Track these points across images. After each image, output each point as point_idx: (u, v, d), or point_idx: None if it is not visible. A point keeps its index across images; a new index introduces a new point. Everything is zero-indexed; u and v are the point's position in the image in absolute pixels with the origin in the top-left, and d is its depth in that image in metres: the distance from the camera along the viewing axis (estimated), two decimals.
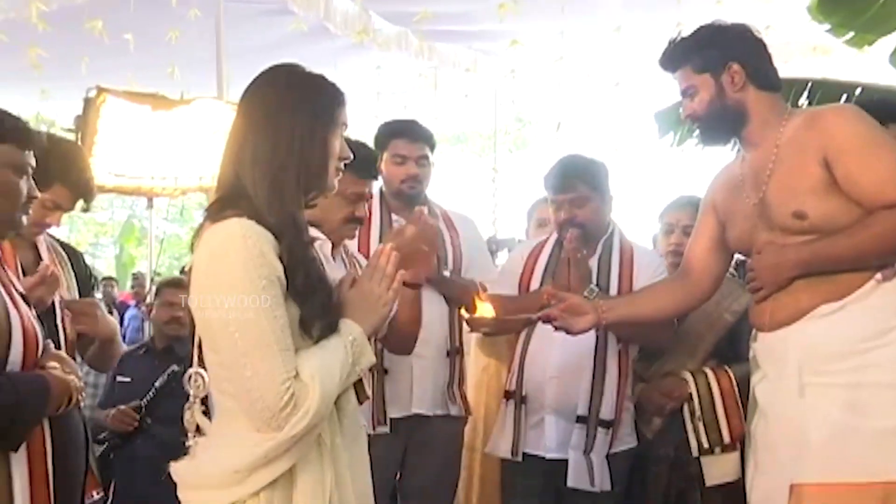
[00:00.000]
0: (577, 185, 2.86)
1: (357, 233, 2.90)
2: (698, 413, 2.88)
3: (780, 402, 2.17)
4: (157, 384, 3.49)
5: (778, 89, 2.26)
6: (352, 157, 1.80)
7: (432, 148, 3.15)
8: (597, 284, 2.86)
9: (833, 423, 2.05)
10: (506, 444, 2.88)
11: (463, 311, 2.60)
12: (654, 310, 2.53)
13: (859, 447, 2.02)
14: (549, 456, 2.84)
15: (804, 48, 6.34)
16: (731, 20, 2.26)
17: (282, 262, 1.60)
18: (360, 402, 1.78)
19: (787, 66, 6.71)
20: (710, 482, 2.88)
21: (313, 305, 1.63)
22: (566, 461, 2.80)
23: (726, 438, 2.87)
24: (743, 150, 2.30)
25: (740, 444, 2.86)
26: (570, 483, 2.77)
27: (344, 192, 2.46)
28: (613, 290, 2.88)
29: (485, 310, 2.48)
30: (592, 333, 2.74)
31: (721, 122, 2.24)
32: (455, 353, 3.06)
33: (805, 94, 3.74)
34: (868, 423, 2.02)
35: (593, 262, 2.91)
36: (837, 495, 2.03)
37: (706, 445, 2.88)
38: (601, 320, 2.42)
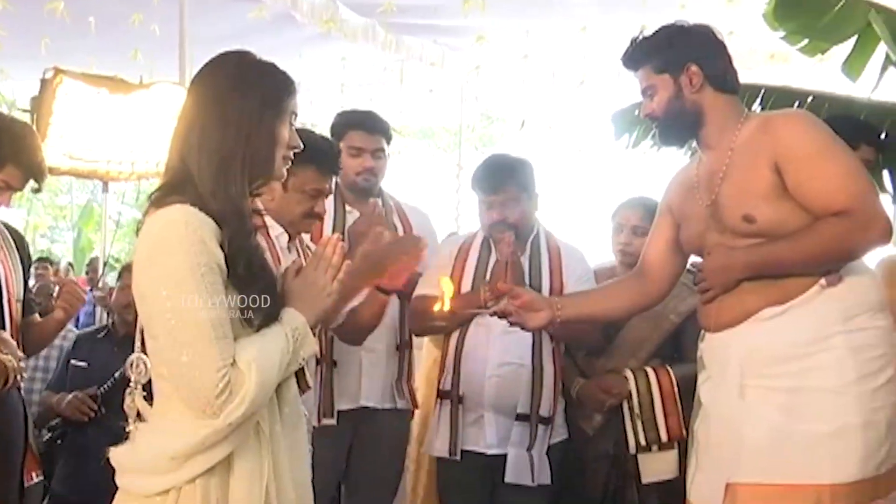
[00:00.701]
0: (508, 185, 2.88)
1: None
2: (637, 411, 2.92)
3: (721, 403, 2.20)
4: (116, 375, 3.36)
5: (736, 92, 2.27)
6: (301, 146, 1.80)
7: (389, 140, 3.14)
8: (530, 285, 2.88)
9: (770, 426, 2.08)
10: (442, 444, 2.90)
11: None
12: (609, 308, 2.55)
13: (794, 450, 2.05)
14: (489, 452, 2.87)
15: (764, 55, 6.41)
16: (694, 22, 2.28)
17: (223, 249, 1.60)
18: (302, 392, 1.78)
19: (750, 72, 6.81)
20: (646, 479, 2.92)
21: (254, 294, 1.64)
22: (504, 456, 2.84)
23: (664, 437, 2.91)
24: (700, 151, 2.32)
25: (678, 443, 2.91)
26: (509, 479, 2.81)
27: (304, 188, 2.48)
28: (545, 289, 2.91)
29: (444, 303, 2.51)
30: (528, 333, 2.76)
31: (678, 123, 2.26)
32: (405, 347, 3.07)
33: (758, 100, 3.78)
34: (804, 426, 2.05)
35: (524, 262, 2.94)
36: (770, 496, 2.06)
37: (644, 443, 2.92)
38: (556, 317, 2.43)
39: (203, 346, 1.54)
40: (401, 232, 3.07)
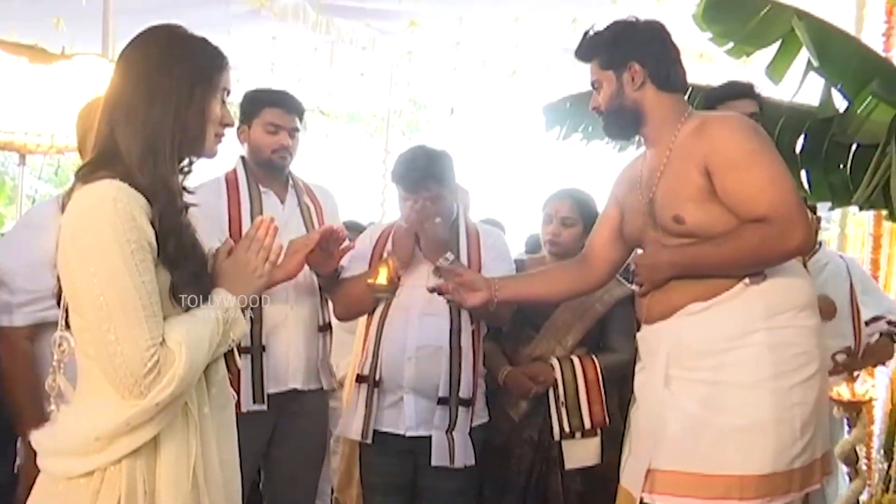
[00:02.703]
0: (430, 184, 2.89)
1: (227, 207, 2.89)
2: (562, 398, 2.97)
3: (649, 391, 2.27)
4: None
5: (681, 91, 2.31)
6: (234, 123, 1.79)
7: (302, 120, 3.13)
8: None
9: (688, 416, 2.14)
10: (357, 426, 2.91)
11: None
12: (547, 291, 2.61)
13: (708, 441, 2.10)
14: (409, 434, 2.89)
15: (693, 54, 6.55)
16: (643, 19, 2.31)
17: (154, 227, 1.58)
18: (231, 374, 1.77)
19: None
20: (569, 465, 2.98)
21: (185, 272, 1.62)
22: (425, 438, 2.86)
23: (587, 424, 2.97)
24: (646, 147, 2.36)
25: (601, 430, 2.98)
26: (433, 462, 2.83)
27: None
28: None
29: (383, 276, 2.58)
30: (447, 314, 2.84)
31: (619, 119, 2.30)
32: (326, 327, 3.08)
33: (685, 98, 3.86)
34: (719, 419, 2.10)
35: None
36: (684, 483, 2.12)
37: (567, 430, 2.97)
38: (493, 297, 2.48)
39: (132, 324, 1.52)
40: (312, 213, 3.07)
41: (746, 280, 2.13)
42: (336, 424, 3.73)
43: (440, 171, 2.93)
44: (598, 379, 2.99)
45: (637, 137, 2.49)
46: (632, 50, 2.25)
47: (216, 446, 1.67)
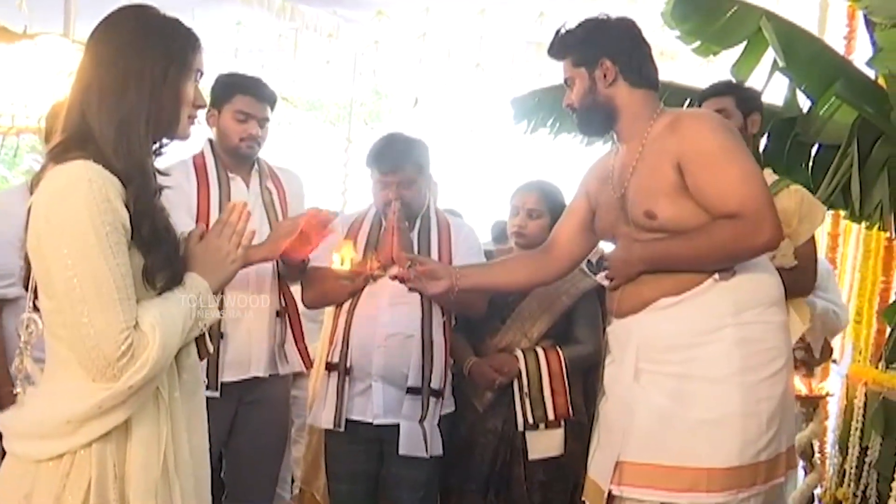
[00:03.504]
0: (405, 166, 2.90)
1: (195, 192, 2.86)
2: (526, 389, 2.99)
3: (618, 384, 2.29)
4: None
5: (653, 87, 2.31)
6: (207, 104, 1.78)
7: (273, 110, 3.09)
8: (418, 252, 2.91)
9: (657, 409, 2.16)
10: (328, 415, 2.91)
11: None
12: (508, 280, 2.63)
13: (676, 434, 2.13)
14: (376, 422, 2.89)
15: (655, 52, 6.61)
16: (614, 16, 2.32)
17: (128, 209, 1.55)
18: (201, 358, 1.75)
19: None
20: (532, 456, 3.00)
21: (158, 256, 1.60)
22: (393, 427, 2.87)
23: (550, 415, 3.00)
24: (618, 143, 2.38)
25: (564, 422, 3.00)
26: (402, 451, 2.84)
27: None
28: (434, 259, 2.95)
29: (345, 262, 2.57)
30: (418, 305, 2.86)
31: (592, 116, 2.31)
32: (284, 312, 3.05)
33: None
34: (687, 413, 2.13)
35: (413, 236, 2.97)
36: (652, 475, 2.14)
37: (531, 421, 2.99)
38: (455, 286, 2.49)
39: (106, 306, 1.50)
40: (276, 197, 3.04)
41: (716, 276, 2.16)
42: (298, 413, 3.72)
43: (416, 155, 2.95)
44: (561, 371, 3.01)
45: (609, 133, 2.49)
46: (603, 47, 2.26)
47: (186, 431, 1.66)
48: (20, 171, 12.84)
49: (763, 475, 2.15)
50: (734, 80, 3.29)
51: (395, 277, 2.51)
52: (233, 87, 2.98)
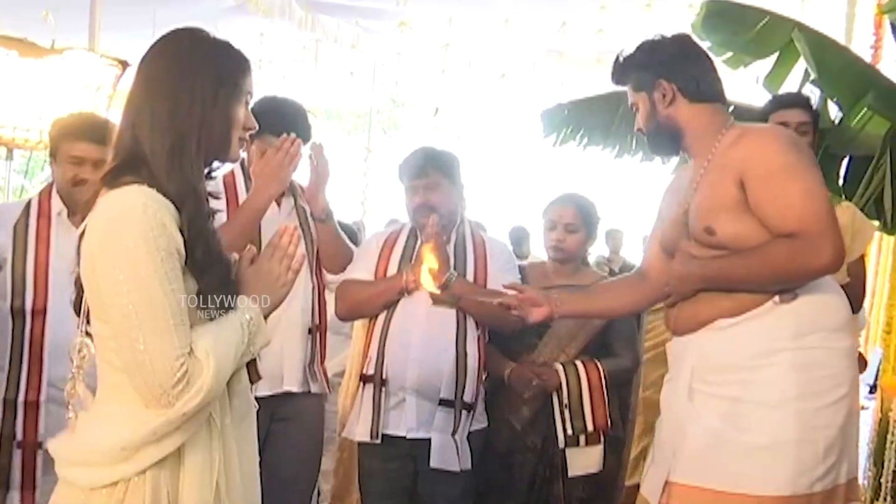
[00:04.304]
0: (431, 171, 2.96)
1: (226, 211, 2.86)
2: (566, 401, 2.99)
3: (673, 403, 2.25)
4: None
5: (717, 100, 2.27)
6: (257, 127, 1.78)
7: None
8: (454, 269, 2.93)
9: (709, 431, 2.11)
10: (364, 428, 2.91)
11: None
12: (611, 306, 2.61)
13: (728, 458, 2.08)
14: (409, 436, 2.89)
15: None
16: (670, 33, 2.30)
17: (182, 233, 1.56)
18: (252, 382, 1.75)
19: None
20: (572, 473, 3.00)
21: (212, 280, 1.60)
22: (426, 440, 2.86)
23: (590, 427, 2.99)
24: (690, 159, 2.34)
25: (603, 438, 2.99)
26: (433, 463, 2.83)
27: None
28: (470, 276, 2.97)
29: (428, 286, 2.57)
30: (453, 318, 2.88)
31: (659, 137, 2.30)
32: (316, 330, 3.05)
33: None
34: (740, 436, 2.07)
35: (449, 249, 2.98)
36: (700, 499, 2.10)
37: (571, 433, 2.98)
38: (554, 312, 2.49)
39: (161, 333, 1.50)
40: (307, 212, 2.99)
41: (776, 298, 2.10)
42: (325, 427, 3.72)
43: (445, 162, 3.00)
44: (601, 383, 3.01)
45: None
46: (658, 68, 2.24)
47: (238, 456, 1.66)
48: (39, 180, 12.92)
49: None
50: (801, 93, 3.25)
51: (500, 304, 2.53)
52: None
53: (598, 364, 3.05)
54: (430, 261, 2.61)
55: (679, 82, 2.23)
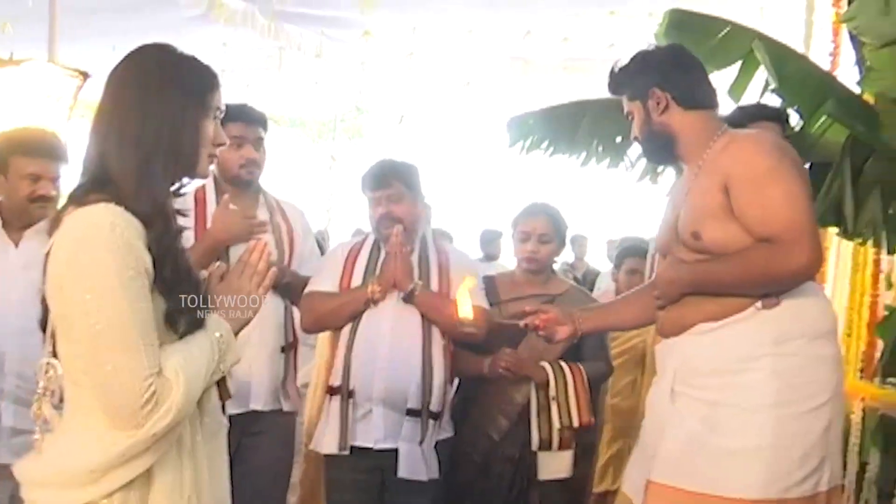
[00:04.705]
0: (393, 182, 2.97)
1: (193, 226, 2.85)
2: (554, 394, 3.00)
3: (656, 403, 2.30)
4: None
5: (709, 107, 2.31)
6: (227, 142, 1.77)
7: (266, 130, 3.07)
8: (419, 279, 2.94)
9: (688, 433, 2.14)
10: (332, 440, 2.90)
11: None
12: (634, 318, 2.61)
13: (704, 460, 2.11)
14: (377, 447, 2.88)
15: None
16: (661, 45, 2.42)
17: (150, 252, 1.54)
18: (223, 400, 1.74)
19: None
20: (543, 476, 3.03)
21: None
22: (393, 451, 2.86)
23: (575, 422, 3.00)
24: (683, 165, 2.38)
25: (575, 444, 3.01)
26: (401, 473, 2.84)
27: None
28: (434, 286, 2.98)
29: (465, 311, 2.60)
30: (419, 328, 2.90)
31: (654, 145, 2.35)
32: (290, 348, 3.04)
33: None
34: (717, 439, 2.11)
35: (414, 259, 2.99)
36: (676, 499, 2.14)
37: (557, 425, 2.99)
38: (577, 331, 2.54)
39: (129, 353, 1.48)
40: (283, 231, 3.03)
41: (759, 304, 2.12)
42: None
43: (406, 173, 3.02)
44: (584, 382, 3.03)
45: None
46: (652, 76, 2.29)
47: (209, 474, 1.65)
48: None
49: None
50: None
51: (526, 325, 2.57)
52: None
53: (580, 366, 3.07)
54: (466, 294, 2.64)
55: (673, 90, 2.27)
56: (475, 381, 3.13)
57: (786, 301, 2.13)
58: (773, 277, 2.10)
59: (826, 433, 2.12)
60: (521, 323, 2.57)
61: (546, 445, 3.02)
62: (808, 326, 2.15)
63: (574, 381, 3.03)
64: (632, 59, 2.36)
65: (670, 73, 2.30)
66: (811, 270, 2.11)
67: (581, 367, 3.07)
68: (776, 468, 2.07)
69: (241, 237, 2.79)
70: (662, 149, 2.34)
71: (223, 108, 1.73)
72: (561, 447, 3.02)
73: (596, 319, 2.62)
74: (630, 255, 4.26)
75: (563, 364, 3.06)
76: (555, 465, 3.02)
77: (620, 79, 2.37)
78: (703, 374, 2.17)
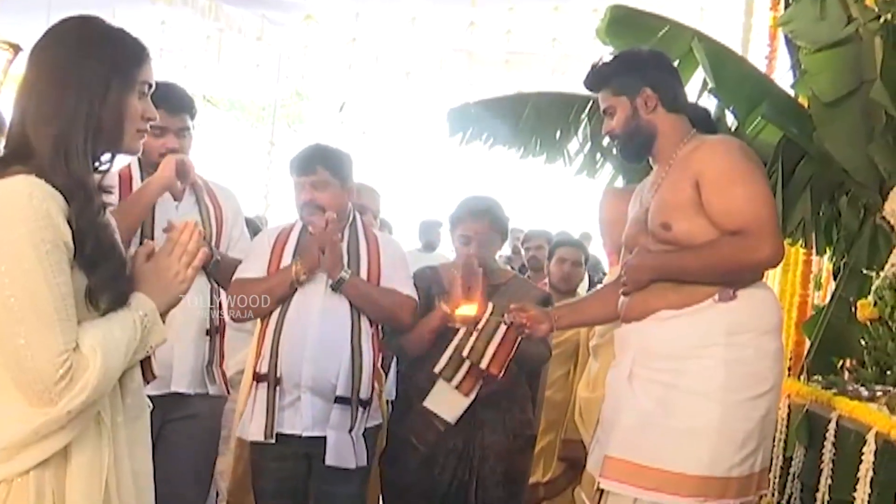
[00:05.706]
0: (318, 168, 2.95)
1: (118, 199, 2.76)
2: (480, 326, 2.83)
3: (615, 384, 2.43)
4: None
5: (685, 111, 2.49)
6: (157, 117, 1.72)
7: (193, 117, 3.00)
8: (348, 266, 2.93)
9: (642, 412, 2.31)
10: (258, 427, 2.87)
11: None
12: (603, 315, 2.72)
13: (655, 437, 2.27)
14: (305, 434, 2.87)
15: (585, 63, 6.70)
16: (645, 49, 2.56)
17: (70, 226, 1.50)
18: (147, 381, 1.70)
19: (564, 77, 7.11)
20: (428, 405, 2.99)
21: (103, 275, 1.55)
22: (320, 439, 2.85)
23: (483, 363, 2.82)
24: (653, 164, 2.52)
25: (475, 397, 2.98)
26: (329, 461, 2.83)
27: None
28: (363, 274, 2.97)
29: (469, 309, 2.70)
30: (348, 315, 2.89)
31: (634, 140, 2.47)
32: (215, 332, 2.99)
33: (585, 110, 3.97)
34: (668, 420, 2.27)
35: (343, 247, 2.97)
36: (627, 472, 2.28)
37: (465, 354, 2.84)
38: (554, 326, 2.69)
39: (44, 327, 1.44)
40: (212, 214, 2.97)
41: (716, 296, 2.29)
42: (223, 424, 3.64)
43: (333, 160, 2.99)
44: (513, 346, 2.82)
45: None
46: (644, 76, 2.43)
47: (129, 457, 1.61)
48: None
49: (734, 491, 2.26)
50: None
51: (511, 324, 2.64)
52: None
53: (519, 335, 2.89)
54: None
55: (660, 92, 2.43)
56: (419, 369, 3.10)
57: (741, 295, 2.30)
58: (737, 267, 2.29)
59: (763, 420, 2.30)
60: (507, 322, 2.66)
61: (448, 375, 2.94)
62: (758, 321, 2.32)
63: (504, 336, 2.81)
64: (618, 58, 2.51)
65: (660, 75, 2.47)
66: (773, 262, 2.33)
67: (518, 337, 2.88)
68: (721, 448, 2.24)
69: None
70: (641, 146, 2.47)
71: (153, 83, 1.68)
72: (461, 387, 2.95)
73: (571, 316, 2.77)
74: (561, 245, 4.47)
75: (504, 315, 2.86)
76: (444, 402, 2.97)
77: (607, 73, 2.48)
78: (659, 357, 2.33)
